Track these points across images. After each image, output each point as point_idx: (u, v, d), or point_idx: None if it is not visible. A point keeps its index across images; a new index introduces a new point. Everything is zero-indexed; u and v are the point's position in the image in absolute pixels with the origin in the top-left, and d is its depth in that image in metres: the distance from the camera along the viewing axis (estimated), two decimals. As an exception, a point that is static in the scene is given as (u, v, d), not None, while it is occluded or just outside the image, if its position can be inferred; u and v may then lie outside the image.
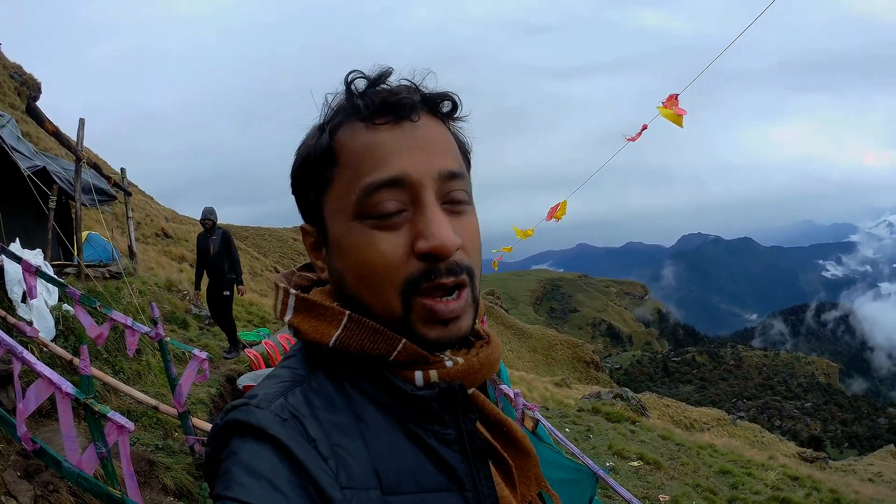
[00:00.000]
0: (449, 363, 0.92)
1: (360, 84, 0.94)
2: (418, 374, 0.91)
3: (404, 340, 0.89)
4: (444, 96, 0.97)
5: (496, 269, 15.87)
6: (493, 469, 0.95)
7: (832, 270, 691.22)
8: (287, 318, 0.98)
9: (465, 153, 1.01)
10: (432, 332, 0.91)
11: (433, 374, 0.91)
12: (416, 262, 0.89)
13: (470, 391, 0.96)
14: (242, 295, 12.20)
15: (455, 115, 1.00)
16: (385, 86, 0.94)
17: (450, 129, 0.99)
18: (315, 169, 0.95)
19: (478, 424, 0.97)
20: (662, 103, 6.56)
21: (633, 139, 7.69)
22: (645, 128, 7.43)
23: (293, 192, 1.03)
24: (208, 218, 11.12)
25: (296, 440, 0.79)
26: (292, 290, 0.99)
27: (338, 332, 0.90)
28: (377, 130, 0.91)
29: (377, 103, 0.91)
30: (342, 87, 0.95)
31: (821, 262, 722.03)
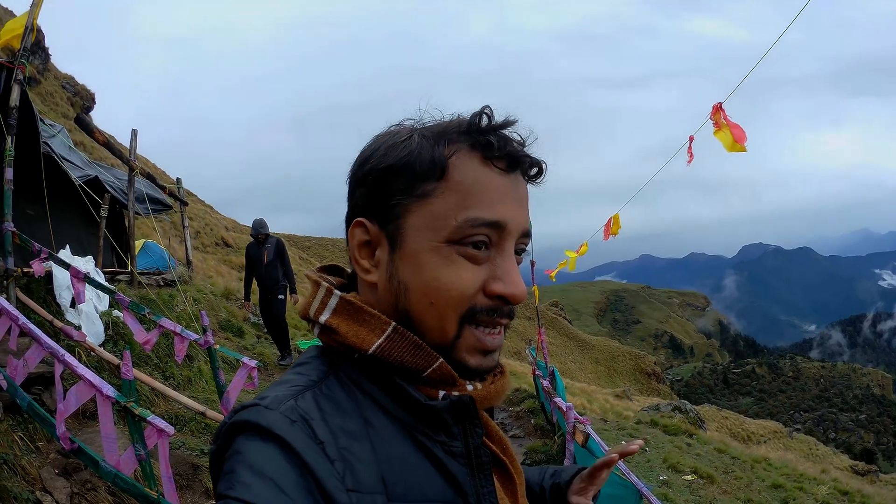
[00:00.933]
0: (469, 387, 0.97)
1: (484, 121, 0.96)
2: (441, 394, 0.94)
3: (441, 359, 0.92)
4: (539, 164, 1.00)
5: (553, 280, 15.81)
6: (497, 484, 0.98)
7: (889, 280, 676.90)
8: (324, 318, 0.97)
9: None
10: (473, 359, 0.95)
11: (454, 394, 0.94)
12: (483, 297, 0.94)
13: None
14: (296, 304, 11.17)
15: (537, 181, 1.03)
16: (506, 132, 0.97)
17: None
18: (414, 177, 0.94)
19: (485, 440, 0.99)
20: (709, 116, 6.35)
21: (689, 161, 7.36)
22: (692, 139, 7.16)
23: (364, 184, 0.99)
24: (260, 232, 11.04)
25: (303, 441, 0.79)
26: (337, 291, 0.99)
27: (380, 341, 0.92)
28: (492, 172, 0.94)
29: (506, 149, 0.95)
30: (460, 113, 0.99)
31: (877, 271, 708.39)
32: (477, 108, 0.97)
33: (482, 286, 0.93)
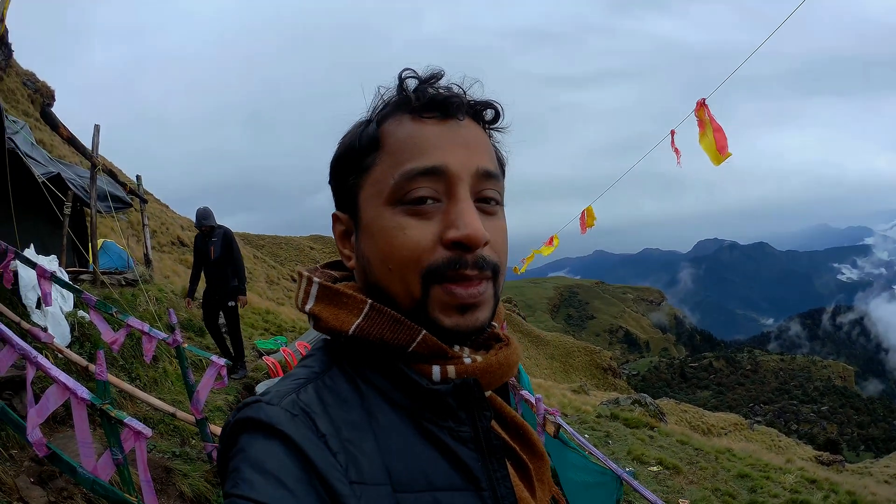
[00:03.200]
0: (467, 360, 0.92)
1: (412, 83, 0.97)
2: (435, 369, 0.90)
3: (424, 332, 0.89)
4: (489, 104, 1.00)
5: (518, 273, 16.01)
6: (510, 469, 0.93)
7: (847, 273, 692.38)
8: (308, 307, 0.98)
9: (500, 162, 1.04)
10: (448, 318, 0.90)
11: (451, 369, 0.91)
12: (442, 251, 0.89)
13: (487, 394, 0.97)
14: (243, 306, 10.29)
15: (496, 124, 1.03)
16: (433, 85, 0.97)
17: (490, 137, 1.03)
18: (357, 155, 0.97)
19: (495, 425, 0.96)
20: (693, 112, 6.31)
21: (678, 160, 7.19)
22: (674, 133, 7.02)
23: (331, 180, 1.04)
24: (203, 223, 9.79)
25: (305, 435, 0.78)
26: (315, 279, 0.99)
27: (358, 321, 0.91)
28: (423, 124, 0.94)
29: (427, 98, 0.94)
30: (393, 83, 0.98)
31: (836, 265, 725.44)
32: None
33: (437, 239, 0.90)
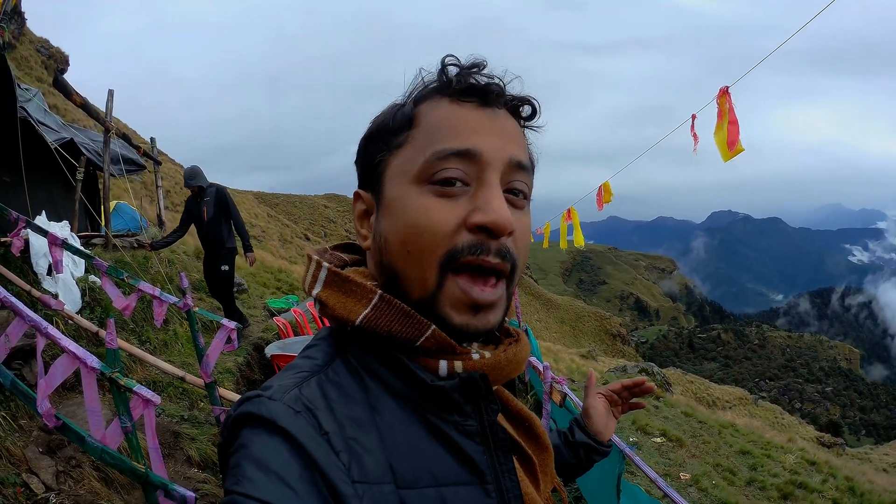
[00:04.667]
0: (475, 356, 0.91)
1: (453, 71, 0.95)
2: (443, 364, 0.89)
3: (434, 327, 0.88)
4: (527, 100, 0.98)
5: (540, 236, 15.94)
6: (515, 463, 0.94)
7: (858, 256, 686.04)
8: (315, 292, 0.97)
9: (531, 160, 1.00)
10: (459, 316, 0.89)
11: (458, 364, 0.90)
12: (466, 234, 0.88)
13: (494, 388, 0.94)
14: (252, 264, 9.81)
15: (532, 121, 1.01)
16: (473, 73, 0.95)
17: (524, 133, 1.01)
18: (390, 133, 0.95)
19: (500, 418, 0.96)
20: (715, 99, 6.17)
21: (695, 147, 7.09)
22: (695, 118, 6.93)
23: (358, 159, 1.03)
24: (191, 184, 9.16)
25: (308, 433, 0.77)
26: (325, 264, 0.97)
27: (366, 311, 0.89)
28: (461, 107, 0.93)
29: (467, 83, 0.93)
30: (435, 68, 0.96)
31: (847, 246, 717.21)
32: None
33: (462, 223, 0.88)
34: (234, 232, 9.32)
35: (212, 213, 9.04)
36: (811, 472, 10.74)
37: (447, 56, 0.95)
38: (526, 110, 0.99)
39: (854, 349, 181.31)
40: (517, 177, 0.94)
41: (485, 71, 0.95)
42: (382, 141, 0.96)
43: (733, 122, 5.94)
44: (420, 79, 0.97)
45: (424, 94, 0.96)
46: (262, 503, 0.69)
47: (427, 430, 0.87)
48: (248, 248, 9.40)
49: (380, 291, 0.90)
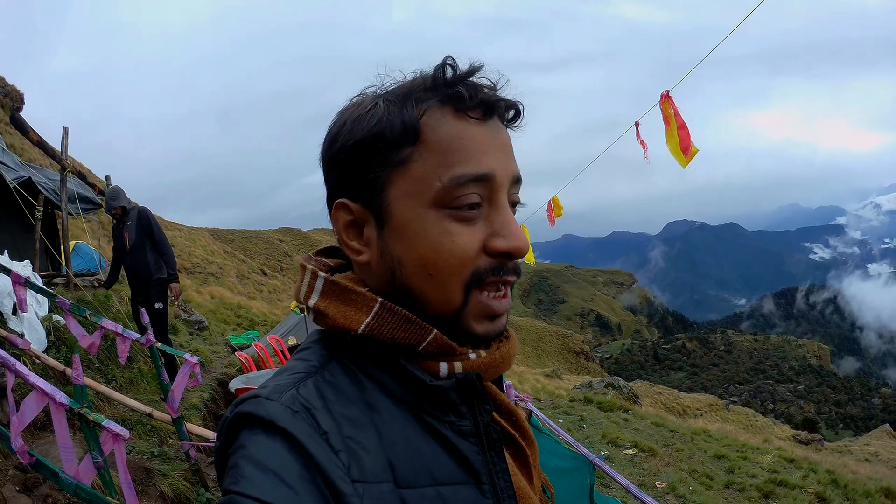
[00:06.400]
0: (473, 356, 0.93)
1: (449, 73, 0.92)
2: (443, 365, 0.91)
3: (435, 331, 0.89)
4: (515, 105, 0.97)
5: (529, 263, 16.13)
6: (509, 459, 0.95)
7: (819, 253, 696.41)
8: (312, 302, 0.96)
9: None
10: (481, 326, 0.92)
11: (458, 365, 0.92)
12: (485, 257, 0.90)
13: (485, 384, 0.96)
14: (177, 297, 8.45)
15: (516, 124, 1.00)
16: (474, 80, 0.93)
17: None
18: (389, 145, 0.91)
19: (495, 416, 0.98)
20: (658, 104, 6.16)
21: (645, 154, 6.99)
22: (638, 125, 6.82)
23: (337, 164, 0.96)
24: (113, 206, 8.12)
25: (306, 432, 0.77)
26: (321, 273, 0.96)
27: (368, 319, 0.89)
28: (467, 123, 0.91)
29: (478, 97, 0.91)
30: (431, 71, 0.94)
31: (808, 244, 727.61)
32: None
33: (482, 246, 0.90)
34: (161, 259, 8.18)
35: (134, 238, 8.00)
36: (791, 470, 10.66)
37: (447, 58, 0.93)
38: (510, 113, 0.98)
39: (823, 345, 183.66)
40: (515, 189, 0.97)
41: (481, 75, 0.94)
42: (378, 153, 0.91)
43: (682, 127, 5.92)
44: (417, 81, 0.95)
45: (423, 102, 0.92)
46: (262, 503, 0.69)
47: (424, 430, 0.88)
48: (173, 278, 8.18)
49: (380, 299, 0.90)
